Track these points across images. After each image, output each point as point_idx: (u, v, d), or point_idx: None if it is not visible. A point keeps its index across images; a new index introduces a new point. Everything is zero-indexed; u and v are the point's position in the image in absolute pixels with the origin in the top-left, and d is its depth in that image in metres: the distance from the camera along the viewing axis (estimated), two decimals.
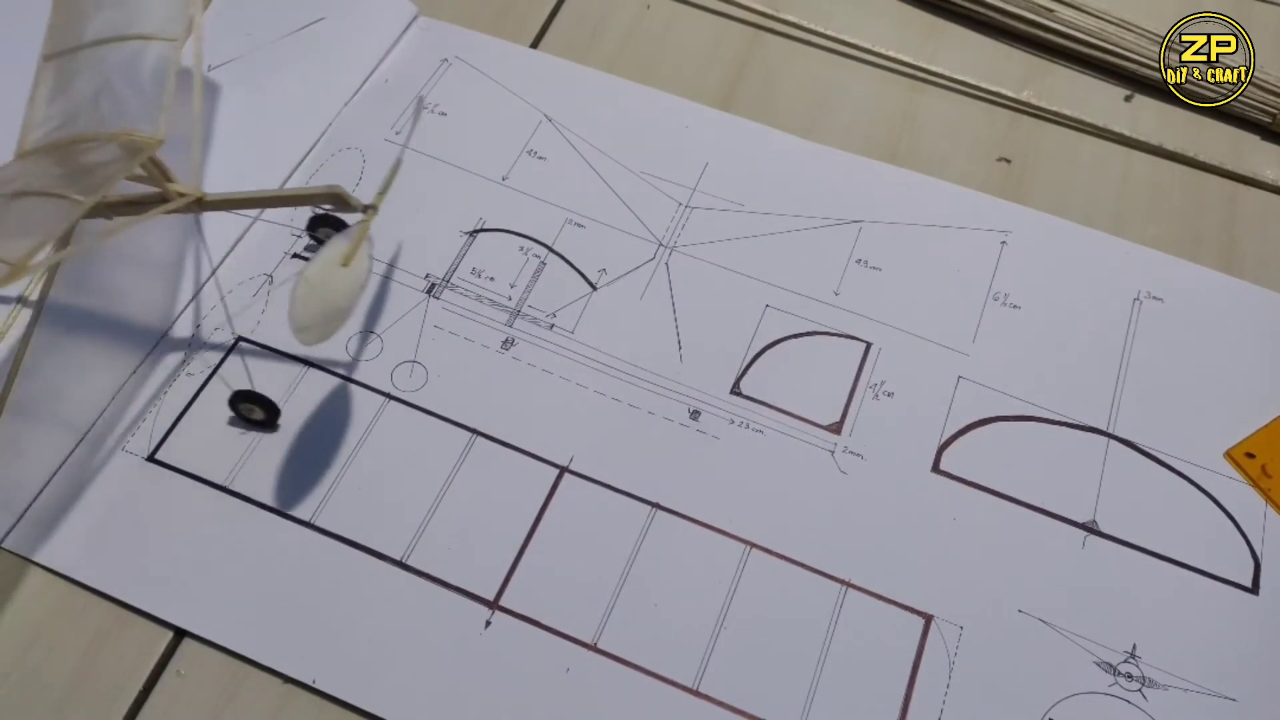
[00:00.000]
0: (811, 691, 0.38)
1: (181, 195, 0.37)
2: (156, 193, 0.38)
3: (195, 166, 0.39)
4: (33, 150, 0.38)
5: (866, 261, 0.49)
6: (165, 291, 0.47)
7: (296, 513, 0.41)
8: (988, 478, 0.43)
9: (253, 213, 0.50)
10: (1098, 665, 0.39)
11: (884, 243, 0.49)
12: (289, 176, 0.51)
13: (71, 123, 0.38)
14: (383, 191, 0.37)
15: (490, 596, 0.40)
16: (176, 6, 0.39)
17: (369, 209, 0.36)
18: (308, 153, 0.52)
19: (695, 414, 0.44)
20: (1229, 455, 0.44)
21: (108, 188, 0.34)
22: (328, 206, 0.36)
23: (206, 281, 0.47)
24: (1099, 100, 0.55)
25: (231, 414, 0.43)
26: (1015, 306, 0.48)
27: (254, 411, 0.43)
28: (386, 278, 0.48)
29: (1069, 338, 0.47)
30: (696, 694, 0.38)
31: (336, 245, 0.36)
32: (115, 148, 0.37)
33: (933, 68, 0.55)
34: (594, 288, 0.48)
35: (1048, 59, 0.57)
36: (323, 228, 0.48)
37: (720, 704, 0.38)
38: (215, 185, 0.46)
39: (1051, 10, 0.56)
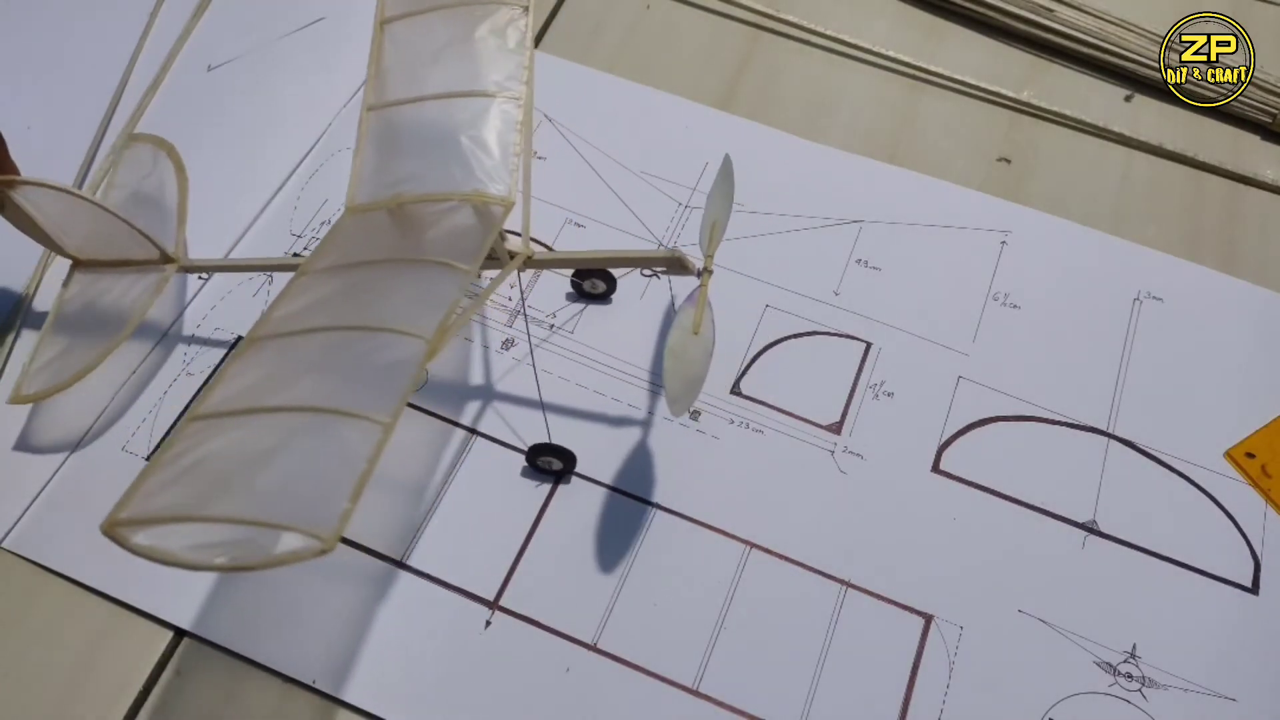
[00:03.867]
0: (811, 691, 0.38)
1: (512, 256, 0.37)
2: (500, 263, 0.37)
3: (525, 226, 0.38)
4: (367, 206, 0.38)
5: (866, 261, 0.49)
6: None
7: None
8: (988, 478, 0.43)
9: (253, 215, 0.50)
10: (1098, 665, 0.39)
11: (884, 243, 0.49)
12: (289, 176, 0.51)
13: (415, 180, 0.37)
14: (711, 254, 0.36)
15: (490, 596, 0.40)
16: (517, 64, 0.38)
17: (704, 272, 0.35)
18: (308, 153, 0.52)
19: (695, 414, 0.44)
20: (1229, 455, 0.44)
21: (483, 253, 0.33)
22: (661, 269, 0.35)
23: (207, 282, 0.47)
24: (1099, 100, 0.55)
25: (526, 465, 0.43)
26: (1015, 306, 0.48)
27: (552, 464, 0.42)
28: None
29: (1069, 338, 0.47)
30: (696, 694, 0.38)
31: (685, 313, 0.35)
32: (470, 210, 0.36)
33: (933, 68, 0.55)
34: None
35: (1048, 59, 0.57)
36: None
37: (720, 704, 0.38)
38: (216, 183, 0.46)
39: (1051, 10, 0.56)
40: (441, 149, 0.37)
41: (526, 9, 0.39)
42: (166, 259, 0.43)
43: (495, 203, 0.36)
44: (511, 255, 0.37)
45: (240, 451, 0.26)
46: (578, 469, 0.43)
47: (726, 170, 0.38)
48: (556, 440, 0.42)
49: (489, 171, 0.37)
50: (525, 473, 0.43)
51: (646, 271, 0.37)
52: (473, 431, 0.44)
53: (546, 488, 0.42)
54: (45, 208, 0.42)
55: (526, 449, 0.42)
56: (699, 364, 0.34)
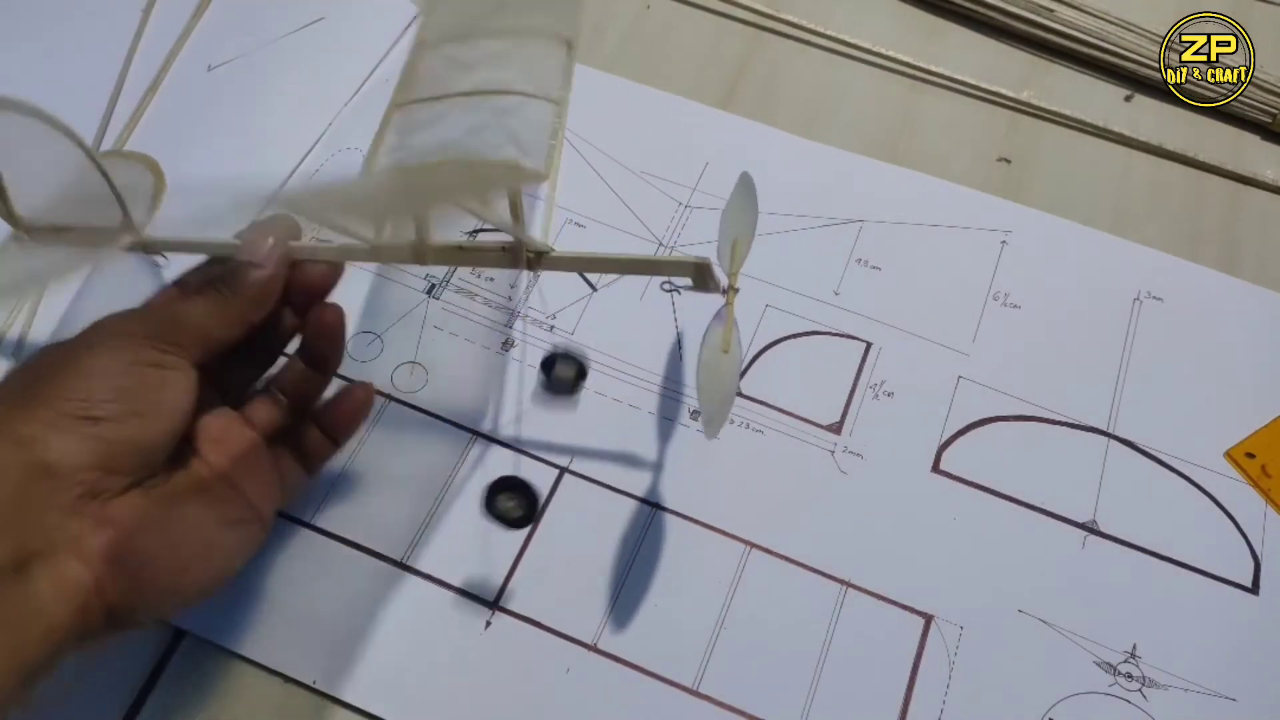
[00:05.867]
0: (811, 691, 0.38)
1: (527, 247, 0.35)
2: (497, 245, 0.35)
3: (547, 222, 0.36)
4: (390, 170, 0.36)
5: (866, 261, 0.49)
6: None
7: (296, 513, 0.41)
8: (988, 478, 0.43)
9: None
10: (1098, 665, 0.39)
11: (884, 243, 0.49)
12: (289, 176, 0.51)
13: (445, 150, 0.36)
14: (735, 271, 0.35)
15: (490, 597, 0.40)
16: (560, 75, 0.37)
17: (730, 290, 0.34)
18: (308, 153, 0.52)
19: (695, 414, 0.44)
20: (1229, 455, 0.44)
21: (487, 191, 0.32)
22: (683, 282, 0.33)
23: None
24: (1099, 100, 0.55)
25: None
26: (1015, 306, 0.48)
27: (512, 511, 0.40)
28: (387, 278, 0.48)
29: (1069, 338, 0.47)
30: (696, 694, 0.38)
31: (714, 332, 0.34)
32: (502, 169, 0.35)
33: (933, 68, 0.55)
34: (594, 289, 0.48)
35: (1048, 59, 0.57)
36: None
37: (720, 704, 0.38)
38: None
39: (1051, 10, 0.56)
40: (477, 126, 0.36)
41: (570, 44, 0.37)
42: (128, 229, 0.38)
43: (529, 173, 0.34)
44: (531, 254, 0.35)
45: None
46: (580, 470, 0.43)
47: (746, 185, 0.37)
48: (551, 439, 0.42)
49: (525, 146, 0.35)
50: (523, 475, 0.43)
51: (666, 286, 0.36)
52: (473, 433, 0.44)
53: (547, 488, 0.42)
54: (9, 141, 0.37)
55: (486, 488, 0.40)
56: (729, 380, 0.34)
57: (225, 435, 0.34)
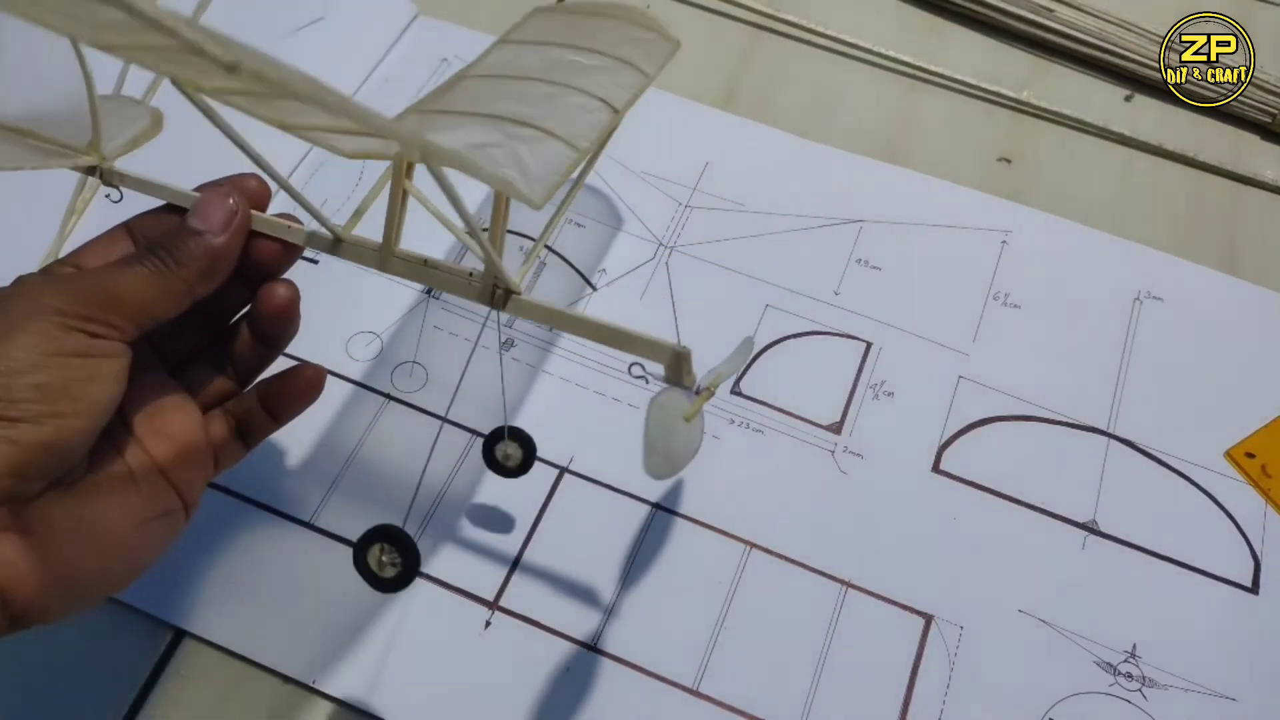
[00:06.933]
0: (811, 691, 0.38)
1: (496, 282, 0.32)
2: (465, 270, 0.34)
3: (528, 267, 0.34)
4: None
5: (866, 261, 0.49)
6: None
7: (296, 513, 0.41)
8: (988, 478, 0.43)
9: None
10: (1098, 665, 0.39)
11: (884, 243, 0.49)
12: (288, 177, 0.51)
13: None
14: (717, 384, 0.31)
15: (490, 597, 0.40)
16: (592, 130, 0.34)
17: (706, 391, 0.31)
18: (307, 153, 0.52)
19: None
20: (1229, 455, 0.44)
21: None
22: (656, 370, 0.30)
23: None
24: (1099, 100, 0.55)
25: None
26: (1015, 306, 0.48)
27: (385, 569, 0.36)
28: (386, 278, 0.48)
29: (1069, 338, 0.47)
30: (696, 694, 0.38)
31: (678, 396, 0.31)
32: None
33: (933, 68, 0.55)
34: (594, 288, 0.48)
35: (1048, 59, 0.57)
36: None
37: (720, 704, 0.38)
38: None
39: (1051, 10, 0.56)
40: (478, 142, 0.33)
41: (616, 111, 0.36)
42: (91, 154, 0.35)
43: (522, 198, 0.31)
44: (499, 289, 0.33)
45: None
46: (580, 470, 0.43)
47: (747, 348, 0.34)
48: (551, 439, 0.42)
49: (527, 174, 0.32)
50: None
51: (637, 370, 0.33)
52: (473, 433, 0.44)
53: (547, 488, 0.42)
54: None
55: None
56: (681, 447, 0.30)
57: (159, 410, 0.31)
